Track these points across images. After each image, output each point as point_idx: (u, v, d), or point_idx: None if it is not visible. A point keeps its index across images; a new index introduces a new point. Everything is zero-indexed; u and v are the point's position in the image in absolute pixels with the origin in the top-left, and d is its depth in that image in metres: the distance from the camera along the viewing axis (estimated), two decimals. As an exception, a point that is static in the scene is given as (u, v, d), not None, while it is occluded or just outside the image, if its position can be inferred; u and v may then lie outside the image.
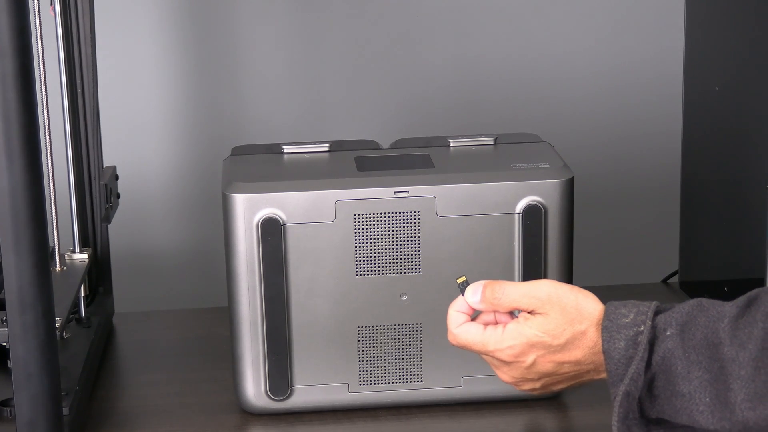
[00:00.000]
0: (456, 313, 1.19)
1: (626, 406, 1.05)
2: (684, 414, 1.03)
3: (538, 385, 1.17)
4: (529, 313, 1.15)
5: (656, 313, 1.06)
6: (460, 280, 1.24)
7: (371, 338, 1.48)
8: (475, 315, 1.23)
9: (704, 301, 1.06)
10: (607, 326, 1.07)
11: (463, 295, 1.21)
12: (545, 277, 1.45)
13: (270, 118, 2.12)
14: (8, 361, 1.31)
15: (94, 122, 1.65)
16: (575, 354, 1.11)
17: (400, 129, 2.11)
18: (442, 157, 1.53)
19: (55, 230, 1.63)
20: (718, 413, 1.01)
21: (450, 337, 1.20)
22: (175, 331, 1.77)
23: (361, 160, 1.51)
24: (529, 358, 1.13)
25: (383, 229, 1.45)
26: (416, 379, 1.50)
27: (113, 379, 1.63)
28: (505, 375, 1.18)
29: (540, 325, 1.12)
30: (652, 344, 1.04)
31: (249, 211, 1.43)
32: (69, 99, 1.65)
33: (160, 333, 1.77)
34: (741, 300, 1.03)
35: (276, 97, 2.12)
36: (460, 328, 1.19)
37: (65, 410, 1.40)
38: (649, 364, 1.04)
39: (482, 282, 1.20)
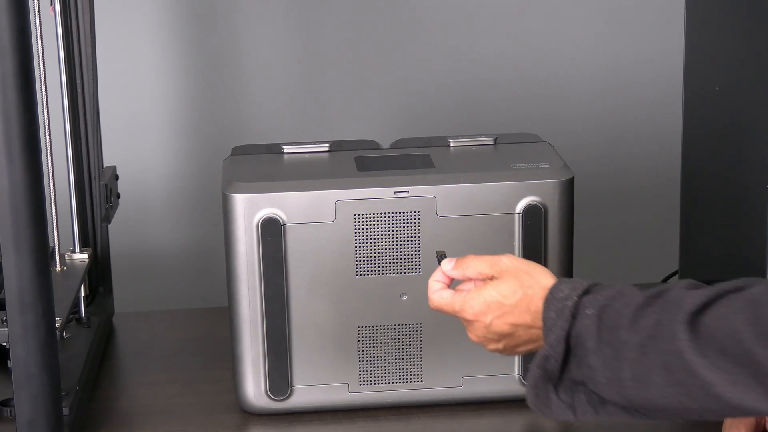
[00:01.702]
0: (434, 282, 1.31)
1: (543, 366, 1.18)
2: (590, 383, 1.16)
3: (500, 346, 1.27)
4: (491, 279, 1.28)
5: (587, 292, 1.18)
6: (439, 253, 1.34)
7: (371, 338, 1.48)
8: (453, 285, 1.32)
9: (627, 288, 1.17)
10: (548, 298, 1.20)
11: (439, 264, 1.32)
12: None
13: (270, 118, 2.12)
14: (8, 361, 1.31)
15: (94, 122, 1.65)
16: (525, 318, 1.23)
17: (400, 129, 2.11)
18: (442, 157, 1.53)
19: (55, 230, 1.63)
20: (614, 387, 1.14)
21: (429, 303, 1.31)
22: (175, 331, 1.77)
23: (361, 160, 1.51)
24: (488, 318, 1.25)
25: (383, 229, 1.45)
26: (416, 379, 1.50)
27: (113, 379, 1.63)
28: (472, 334, 1.29)
29: (496, 286, 1.25)
30: (575, 318, 1.17)
31: (249, 211, 1.43)
32: (69, 99, 1.65)
33: (160, 333, 1.77)
34: (652, 291, 1.14)
35: (276, 97, 2.12)
36: (435, 293, 1.31)
37: (65, 410, 1.40)
38: (570, 335, 1.17)
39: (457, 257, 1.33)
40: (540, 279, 1.24)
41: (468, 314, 1.27)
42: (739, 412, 1.07)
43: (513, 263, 1.27)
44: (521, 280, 1.24)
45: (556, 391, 1.20)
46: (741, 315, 1.05)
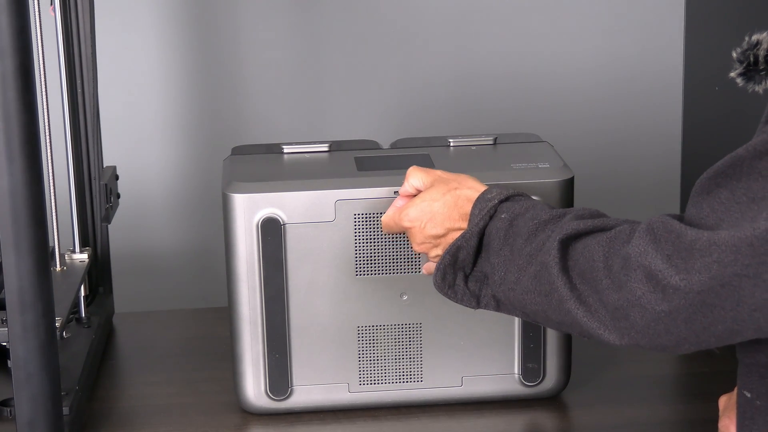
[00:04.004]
0: (391, 207, 1.42)
1: (455, 254, 1.29)
2: (490, 279, 1.28)
3: (439, 251, 1.35)
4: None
5: (508, 199, 1.30)
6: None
7: (371, 338, 1.49)
8: None
9: (540, 204, 1.28)
10: (478, 198, 1.32)
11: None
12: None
13: (270, 118, 2.12)
14: (8, 361, 1.31)
15: (94, 122, 1.65)
16: (454, 217, 1.33)
17: (400, 129, 2.11)
18: (442, 157, 1.53)
19: (55, 230, 1.63)
20: (503, 287, 1.26)
21: (382, 226, 1.43)
22: (175, 331, 1.77)
23: (361, 160, 1.51)
24: (422, 223, 1.35)
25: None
26: (416, 379, 1.50)
27: (113, 379, 1.63)
28: (414, 243, 1.38)
29: (427, 192, 1.36)
30: (491, 219, 1.29)
31: (249, 211, 1.43)
32: (69, 99, 1.65)
33: (160, 333, 1.77)
34: (557, 212, 1.26)
35: (276, 97, 2.12)
36: (384, 214, 1.42)
37: (65, 410, 1.40)
38: (483, 232, 1.29)
39: None
40: (468, 182, 1.35)
41: (405, 222, 1.37)
42: (585, 332, 1.17)
43: (446, 173, 1.38)
44: (448, 184, 1.35)
45: (465, 280, 1.31)
46: (600, 247, 1.16)
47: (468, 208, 1.32)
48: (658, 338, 1.12)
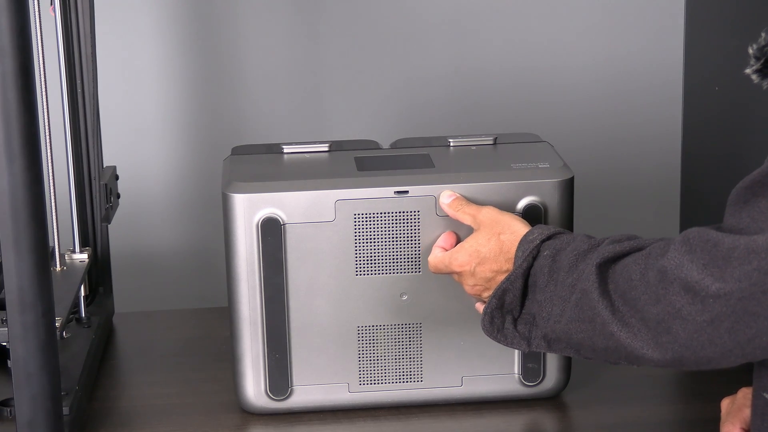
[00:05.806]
0: (434, 246, 1.44)
1: (501, 297, 1.30)
2: (538, 317, 1.28)
3: (491, 293, 1.35)
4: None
5: (550, 237, 1.30)
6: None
7: (371, 338, 1.49)
8: None
9: (581, 237, 1.29)
10: (521, 240, 1.32)
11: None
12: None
13: (270, 118, 2.12)
14: (8, 361, 1.31)
15: (94, 122, 1.65)
16: (501, 262, 1.34)
17: (400, 129, 2.11)
18: (442, 157, 1.53)
19: (55, 230, 1.63)
20: (550, 322, 1.26)
21: (429, 266, 1.43)
22: (175, 331, 1.77)
23: (361, 160, 1.51)
24: (472, 267, 1.36)
25: (383, 229, 1.45)
26: (416, 379, 1.50)
27: (113, 379, 1.63)
28: (466, 286, 1.38)
29: (474, 237, 1.38)
30: (535, 259, 1.29)
31: (249, 211, 1.43)
32: (69, 99, 1.65)
33: (160, 333, 1.77)
34: (596, 241, 1.26)
35: (276, 97, 2.12)
36: (431, 254, 1.43)
37: (65, 410, 1.40)
38: (528, 273, 1.29)
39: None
40: (513, 226, 1.35)
41: (455, 266, 1.38)
42: (630, 355, 1.16)
43: (489, 215, 1.38)
44: (494, 229, 1.36)
45: (515, 323, 1.31)
46: (637, 265, 1.16)
47: (514, 251, 1.33)
48: (702, 350, 1.11)
